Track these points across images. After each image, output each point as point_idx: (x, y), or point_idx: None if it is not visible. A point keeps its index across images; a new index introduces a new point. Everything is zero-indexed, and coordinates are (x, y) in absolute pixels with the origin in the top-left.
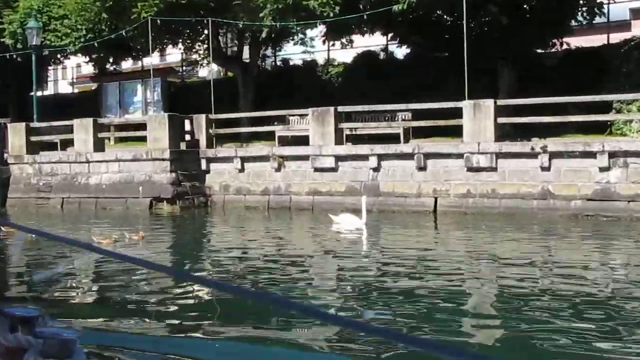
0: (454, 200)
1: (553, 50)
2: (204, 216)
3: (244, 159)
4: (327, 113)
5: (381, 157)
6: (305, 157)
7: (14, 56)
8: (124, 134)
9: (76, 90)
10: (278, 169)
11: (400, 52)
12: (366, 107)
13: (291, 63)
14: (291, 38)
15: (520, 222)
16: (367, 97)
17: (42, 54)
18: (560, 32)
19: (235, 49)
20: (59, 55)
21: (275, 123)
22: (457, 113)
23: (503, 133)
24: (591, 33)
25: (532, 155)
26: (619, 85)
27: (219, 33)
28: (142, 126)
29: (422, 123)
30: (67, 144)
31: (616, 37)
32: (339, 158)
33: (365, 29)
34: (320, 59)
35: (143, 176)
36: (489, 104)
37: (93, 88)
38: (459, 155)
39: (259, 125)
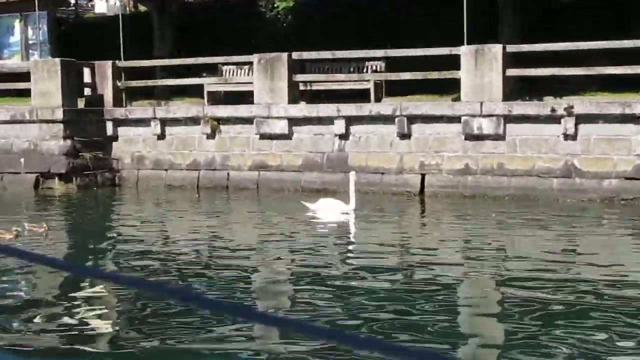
0: (448, 179)
1: None
2: (110, 198)
3: (164, 122)
4: (277, 61)
5: (350, 121)
6: (248, 120)
7: None
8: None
9: None
10: (211, 136)
11: None
12: (328, 54)
13: None
14: None
15: (535, 209)
16: (326, 42)
17: None
18: None
19: None
20: None
21: (205, 75)
22: (451, 63)
23: (508, 91)
24: None
25: (553, 119)
26: None
27: None
28: (23, 77)
29: (405, 75)
30: None
31: None
32: (293, 121)
33: None
34: None
35: (26, 144)
36: (496, 50)
37: None
38: (455, 119)
39: (183, 77)
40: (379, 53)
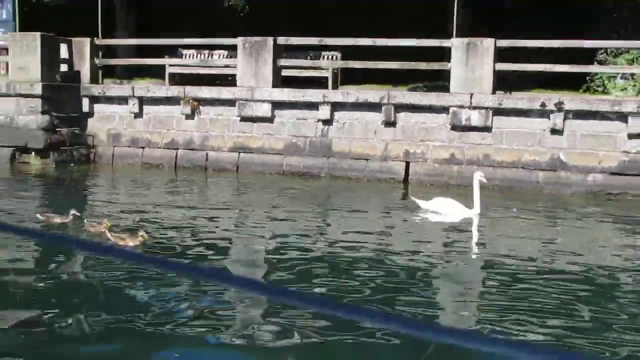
0: (432, 167)
1: None
2: (86, 175)
3: (142, 100)
4: (263, 46)
5: (335, 107)
6: (229, 102)
7: None
8: None
9: None
10: (190, 116)
11: None
12: (315, 40)
13: None
14: None
15: (521, 200)
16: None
17: None
18: None
19: None
20: None
21: (166, 57)
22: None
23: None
24: None
25: (542, 113)
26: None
27: None
28: None
29: (392, 65)
30: None
31: None
32: (276, 105)
33: None
34: None
35: (1, 118)
36: (487, 44)
37: None
38: (443, 109)
39: (144, 57)
40: (367, 41)
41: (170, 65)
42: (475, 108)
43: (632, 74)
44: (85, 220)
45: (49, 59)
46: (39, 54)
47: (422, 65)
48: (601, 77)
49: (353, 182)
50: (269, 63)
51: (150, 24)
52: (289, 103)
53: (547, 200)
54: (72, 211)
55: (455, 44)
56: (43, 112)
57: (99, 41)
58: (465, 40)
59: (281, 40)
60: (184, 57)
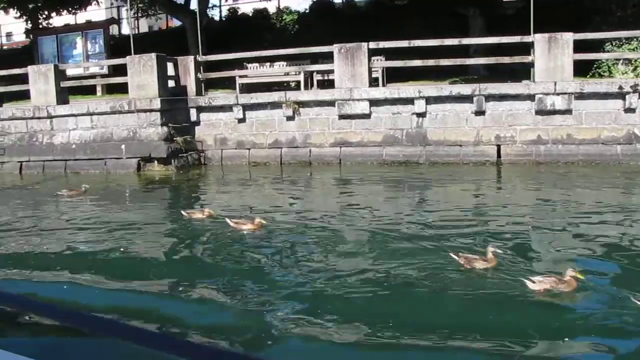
0: (521, 148)
1: None
2: (203, 177)
3: (246, 107)
4: (358, 50)
5: (428, 101)
6: (327, 103)
7: None
8: (97, 81)
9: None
10: (292, 117)
11: None
12: (405, 43)
13: (239, 12)
14: None
15: (603, 171)
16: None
17: None
18: None
19: None
20: None
21: (249, 67)
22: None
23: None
24: None
25: (618, 95)
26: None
27: None
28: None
29: (480, 60)
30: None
31: None
32: (373, 102)
33: None
34: (271, 7)
35: (125, 132)
36: (567, 37)
37: (20, 46)
38: (528, 97)
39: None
40: (453, 41)
41: (240, 77)
42: (559, 94)
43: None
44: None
45: (163, 75)
46: (155, 72)
47: (506, 60)
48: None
49: (451, 165)
50: (364, 65)
51: (215, 45)
52: (385, 100)
53: (621, 170)
54: (207, 209)
55: (538, 38)
56: (162, 124)
57: (200, 58)
58: (546, 35)
59: (372, 45)
60: (249, 69)
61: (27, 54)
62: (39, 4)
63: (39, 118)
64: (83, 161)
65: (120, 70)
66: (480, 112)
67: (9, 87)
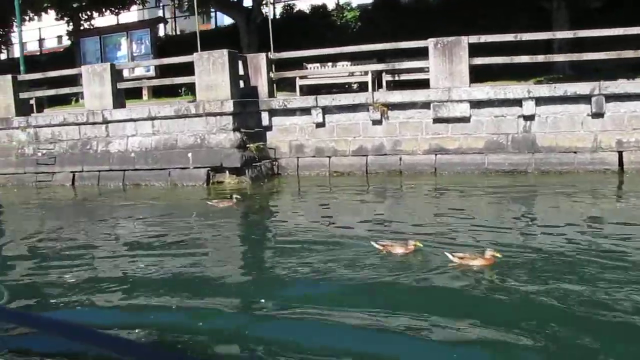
0: None
1: None
2: (284, 189)
3: (326, 110)
4: (456, 45)
5: (538, 102)
6: (420, 105)
7: None
8: (156, 82)
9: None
10: (378, 121)
11: None
12: (511, 37)
13: (295, 10)
14: None
15: None
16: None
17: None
18: None
19: None
20: (28, 12)
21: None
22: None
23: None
24: None
25: None
26: None
27: None
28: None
29: (599, 55)
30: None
31: None
32: (474, 104)
33: None
34: (330, 3)
35: (192, 138)
36: None
37: (62, 50)
38: None
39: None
40: (568, 34)
41: (300, 78)
42: None
43: None
44: None
45: (235, 75)
46: (227, 71)
47: (629, 54)
48: None
49: (564, 175)
50: (464, 61)
51: (270, 43)
52: (487, 101)
53: None
54: (412, 242)
55: None
56: (234, 130)
57: (272, 55)
58: None
59: (473, 39)
60: (309, 69)
61: (66, 58)
62: (83, 3)
63: (93, 123)
64: (144, 171)
65: (168, 71)
66: (598, 114)
67: (55, 90)
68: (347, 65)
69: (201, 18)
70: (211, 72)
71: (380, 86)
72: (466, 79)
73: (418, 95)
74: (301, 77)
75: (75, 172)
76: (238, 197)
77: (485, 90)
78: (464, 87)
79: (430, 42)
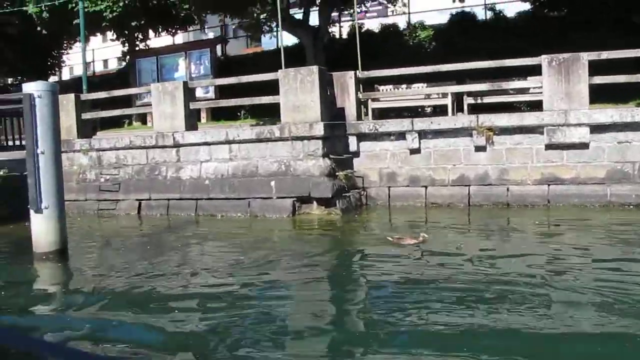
0: None
1: None
2: (376, 222)
3: (422, 134)
4: (575, 63)
5: None
6: (530, 129)
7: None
8: (234, 102)
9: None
10: (482, 148)
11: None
12: (626, 52)
13: (364, 29)
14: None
15: None
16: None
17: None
18: None
19: (302, 12)
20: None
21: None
22: None
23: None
24: None
25: None
26: None
27: None
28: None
29: None
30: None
31: None
32: (594, 128)
33: None
34: (400, 22)
35: (275, 165)
36: None
37: (114, 72)
38: None
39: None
40: None
41: (372, 100)
42: None
43: None
44: None
45: (324, 95)
46: (317, 90)
47: None
48: None
49: None
50: (583, 81)
51: (336, 64)
52: (610, 125)
53: None
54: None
55: None
56: (323, 156)
57: (361, 74)
58: None
59: (593, 55)
60: (380, 90)
61: (119, 80)
62: (142, 22)
63: (162, 147)
64: (220, 201)
65: (226, 92)
66: None
67: (121, 111)
68: (422, 87)
69: (249, 41)
70: (298, 91)
71: (460, 110)
72: (585, 100)
73: (529, 119)
74: (373, 100)
75: (142, 200)
76: (426, 235)
77: (609, 113)
78: (583, 109)
79: (543, 59)
